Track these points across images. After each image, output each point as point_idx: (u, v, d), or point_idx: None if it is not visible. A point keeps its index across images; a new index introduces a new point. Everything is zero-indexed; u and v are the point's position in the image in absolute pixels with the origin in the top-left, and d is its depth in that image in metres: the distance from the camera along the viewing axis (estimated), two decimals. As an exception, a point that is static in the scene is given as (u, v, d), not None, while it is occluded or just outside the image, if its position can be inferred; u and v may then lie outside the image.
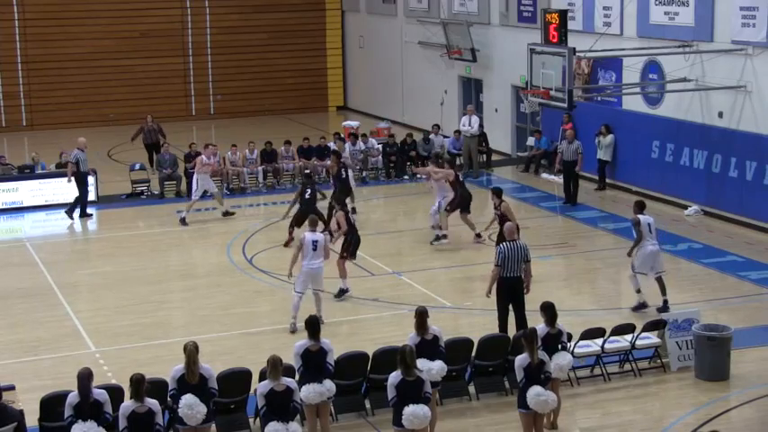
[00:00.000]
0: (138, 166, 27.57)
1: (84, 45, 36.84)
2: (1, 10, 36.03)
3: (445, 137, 29.20)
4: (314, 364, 12.08)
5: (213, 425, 12.03)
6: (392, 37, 36.62)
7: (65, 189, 25.58)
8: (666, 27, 23.95)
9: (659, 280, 17.10)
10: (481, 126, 29.20)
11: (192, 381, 11.36)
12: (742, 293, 18.16)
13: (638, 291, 17.18)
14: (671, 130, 24.22)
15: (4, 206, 25.40)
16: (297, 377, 12.13)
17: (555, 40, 22.10)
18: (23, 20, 36.25)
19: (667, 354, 14.78)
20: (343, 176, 22.81)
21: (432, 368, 12.29)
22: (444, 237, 21.20)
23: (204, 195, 23.83)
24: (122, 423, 10.84)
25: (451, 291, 18.83)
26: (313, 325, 12.22)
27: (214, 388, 11.56)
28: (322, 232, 21.34)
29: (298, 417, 11.55)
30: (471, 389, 14.00)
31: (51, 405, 12.15)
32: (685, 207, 23.67)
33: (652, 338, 14.88)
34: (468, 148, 28.34)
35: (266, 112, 38.79)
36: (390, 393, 11.28)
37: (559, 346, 12.63)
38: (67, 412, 11.05)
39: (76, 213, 24.49)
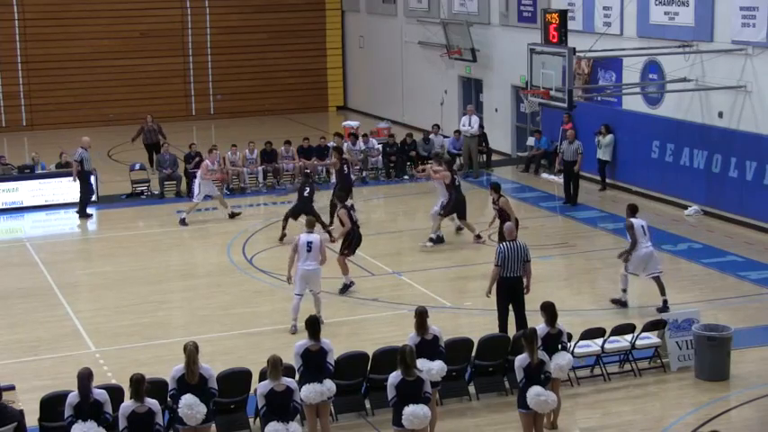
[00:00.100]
0: (138, 166, 27.58)
1: (84, 45, 36.84)
2: (1, 10, 36.02)
3: (445, 137, 29.20)
4: (314, 363, 12.08)
5: (213, 425, 12.03)
6: (392, 37, 36.62)
7: (65, 189, 25.64)
8: (666, 27, 23.95)
9: (657, 280, 17.12)
10: (481, 126, 29.19)
11: (191, 381, 11.36)
12: (742, 293, 18.16)
13: (624, 290, 17.28)
14: (671, 130, 24.23)
15: (4, 206, 25.40)
16: (297, 377, 12.13)
17: (555, 40, 22.10)
18: (23, 20, 36.24)
19: (667, 354, 14.78)
20: (346, 172, 22.85)
21: (432, 368, 12.28)
22: (431, 240, 21.14)
23: (205, 198, 23.87)
24: (122, 423, 10.85)
25: (451, 291, 18.83)
26: (313, 325, 12.22)
27: (214, 388, 11.56)
28: (326, 230, 21.55)
29: (298, 417, 11.55)
30: (471, 389, 14.00)
31: (51, 405, 12.15)
32: (685, 207, 23.68)
33: (652, 338, 14.88)
34: (468, 148, 28.33)
35: (266, 112, 38.79)
36: (390, 393, 11.28)
37: (559, 346, 12.62)
38: (67, 412, 11.05)
39: (89, 209, 24.61)
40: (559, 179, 25.99)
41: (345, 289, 18.36)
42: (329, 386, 12.15)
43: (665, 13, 23.91)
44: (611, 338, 14.70)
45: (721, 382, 14.28)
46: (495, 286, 15.43)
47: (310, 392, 11.98)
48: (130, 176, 27.17)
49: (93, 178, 25.09)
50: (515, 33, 29.13)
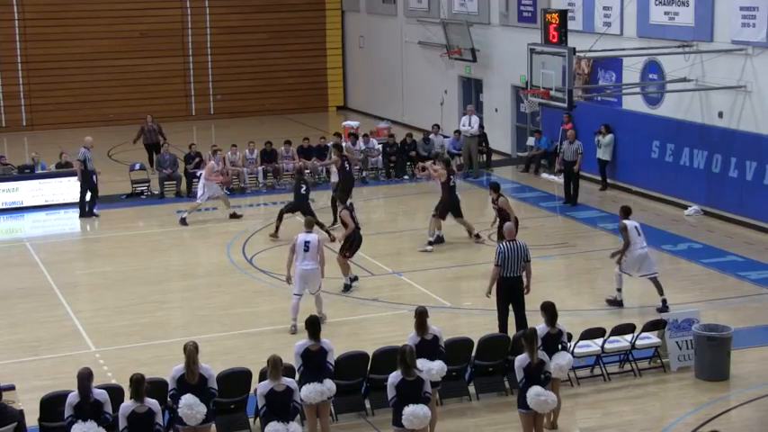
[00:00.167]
0: (138, 166, 27.58)
1: (84, 45, 36.84)
2: (1, 10, 36.03)
3: (445, 137, 29.20)
4: (314, 363, 12.07)
5: (213, 425, 12.03)
6: (392, 37, 36.62)
7: (65, 189, 25.68)
8: (666, 27, 23.95)
9: (654, 281, 17.15)
10: (481, 126, 29.20)
11: (191, 381, 11.36)
12: (742, 293, 18.16)
13: (619, 289, 17.33)
14: (671, 130, 24.22)
15: (4, 206, 25.41)
16: (297, 377, 12.13)
17: (555, 40, 22.09)
18: (23, 20, 36.25)
19: (667, 354, 14.78)
20: (347, 168, 22.90)
21: (432, 368, 12.28)
22: (430, 244, 21.14)
23: (208, 198, 23.89)
24: (122, 423, 10.84)
25: (451, 291, 18.83)
26: (313, 325, 12.21)
27: (214, 388, 11.56)
28: (325, 230, 21.58)
29: (298, 417, 11.55)
30: (471, 389, 14.00)
31: (51, 405, 12.15)
32: (685, 207, 23.68)
33: (652, 338, 14.88)
34: (468, 149, 28.34)
35: (266, 112, 38.80)
36: (390, 393, 11.28)
37: (559, 346, 12.62)
38: (67, 412, 11.05)
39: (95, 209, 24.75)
40: (559, 179, 25.99)
41: (347, 288, 18.40)
42: (329, 386, 12.15)
43: (665, 13, 23.91)
44: (611, 338, 14.70)
45: (721, 382, 14.28)
46: (495, 286, 15.43)
47: (310, 392, 11.98)
48: (130, 176, 27.18)
49: (94, 177, 25.08)
50: (515, 33, 29.13)
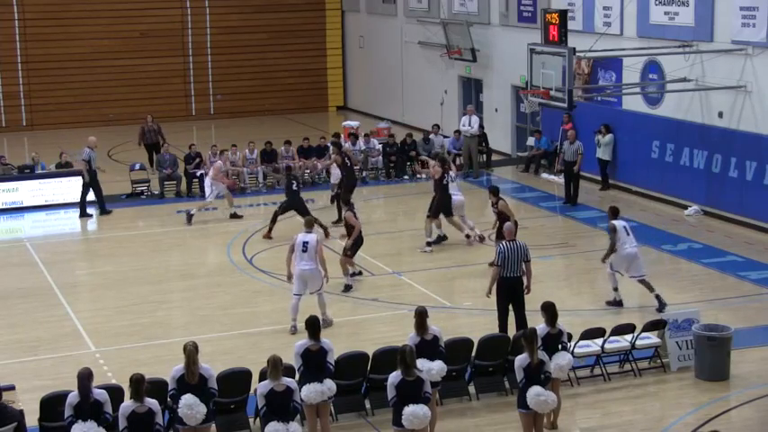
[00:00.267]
0: (138, 166, 27.59)
1: (84, 45, 36.84)
2: (1, 10, 36.03)
3: (445, 137, 29.20)
4: (314, 363, 12.07)
5: (213, 425, 12.03)
6: (392, 37, 36.62)
7: (65, 189, 25.69)
8: (666, 27, 23.95)
9: (643, 282, 17.18)
10: (481, 126, 29.20)
11: (191, 381, 11.36)
12: (742, 293, 18.16)
13: (615, 289, 17.36)
14: (671, 130, 24.22)
15: (4, 206, 25.41)
16: (297, 377, 12.13)
17: (555, 40, 22.09)
18: (23, 20, 36.25)
19: (667, 354, 14.78)
20: (349, 165, 22.93)
21: (432, 368, 12.28)
22: (428, 245, 21.14)
23: (217, 197, 23.94)
24: (122, 423, 10.85)
25: (451, 291, 18.83)
26: (313, 325, 12.21)
27: (214, 388, 11.56)
28: (321, 226, 21.64)
29: (298, 417, 11.55)
30: (471, 389, 14.00)
31: (51, 405, 12.15)
32: (685, 207, 23.67)
33: (652, 338, 14.88)
34: (468, 148, 28.34)
35: (266, 112, 38.80)
36: (390, 393, 11.28)
37: (559, 346, 12.62)
38: (67, 412, 11.05)
39: (88, 209, 24.76)
40: (560, 179, 25.99)
41: (348, 288, 18.41)
42: (330, 386, 12.15)
43: (665, 13, 23.91)
44: (611, 338, 14.70)
45: (721, 382, 14.28)
46: (495, 286, 15.43)
47: (311, 392, 11.97)
48: (130, 176, 27.19)
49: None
50: (515, 33, 29.13)
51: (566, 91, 21.37)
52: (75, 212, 24.89)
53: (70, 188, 25.56)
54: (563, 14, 22.36)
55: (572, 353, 13.34)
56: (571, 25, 23.47)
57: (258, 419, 12.26)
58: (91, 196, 24.88)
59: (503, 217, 18.90)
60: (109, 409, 11.11)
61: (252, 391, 12.47)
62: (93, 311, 18.02)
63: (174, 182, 26.76)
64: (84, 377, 11.02)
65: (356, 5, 39.11)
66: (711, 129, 23.03)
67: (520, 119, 30.35)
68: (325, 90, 40.34)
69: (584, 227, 23.00)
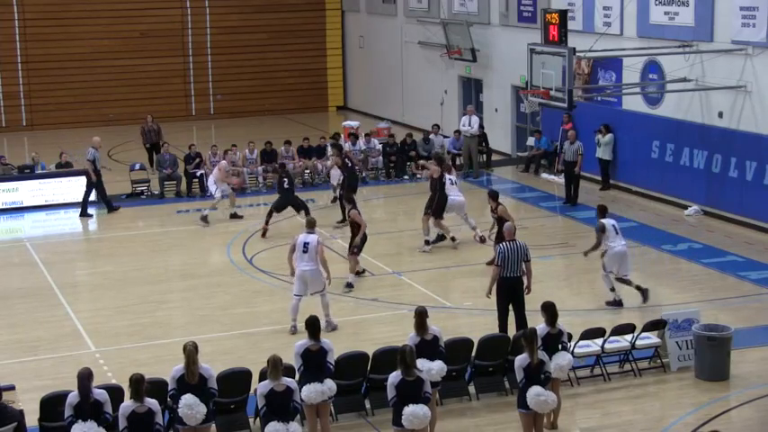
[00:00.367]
0: (138, 166, 27.60)
1: (84, 45, 36.85)
2: (1, 10, 36.04)
3: (445, 137, 29.20)
4: (314, 363, 12.07)
5: (213, 425, 12.03)
6: (392, 37, 36.62)
7: (65, 189, 25.70)
8: (666, 27, 23.95)
9: (624, 280, 17.21)
10: (481, 126, 29.20)
11: (191, 381, 11.36)
12: (742, 293, 18.16)
13: (612, 289, 17.40)
14: (671, 130, 24.22)
15: (4, 206, 25.42)
16: (297, 377, 12.13)
17: (555, 40, 22.09)
18: (23, 20, 36.25)
19: (667, 354, 14.78)
20: (350, 165, 22.97)
21: (432, 368, 12.28)
22: (426, 243, 21.13)
23: (223, 196, 23.96)
24: (122, 423, 10.85)
25: (451, 291, 18.83)
26: (313, 325, 12.21)
27: (214, 388, 11.56)
28: (339, 225, 21.75)
29: (298, 417, 11.55)
30: (471, 389, 14.00)
31: (51, 405, 12.15)
32: (685, 207, 23.67)
33: (652, 338, 14.88)
34: (468, 149, 28.34)
35: (266, 112, 38.80)
36: (390, 393, 11.28)
37: (559, 346, 12.62)
38: (67, 412, 11.05)
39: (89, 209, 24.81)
40: (560, 179, 25.99)
41: (350, 286, 18.46)
42: (330, 386, 12.15)
43: (665, 13, 23.91)
44: (611, 338, 14.70)
45: (721, 382, 14.28)
46: (495, 286, 15.43)
47: (311, 392, 11.97)
48: (130, 176, 27.19)
49: (84, 179, 25.12)
50: (515, 33, 29.13)
51: (566, 91, 21.37)
52: (75, 212, 24.89)
53: (70, 188, 25.57)
54: (563, 14, 22.36)
55: (572, 353, 13.34)
56: (571, 25, 23.47)
57: (258, 419, 12.27)
58: (93, 196, 24.90)
59: (502, 223, 18.88)
60: (109, 409, 11.11)
61: (252, 391, 12.47)
62: (93, 311, 18.02)
63: (174, 182, 26.76)
64: (84, 377, 11.02)
65: (356, 5, 39.11)
66: (711, 129, 23.03)
67: (520, 119, 30.35)
68: (325, 90, 40.34)
69: (584, 227, 22.97)
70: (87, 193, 24.73)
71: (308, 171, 27.78)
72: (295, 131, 32.78)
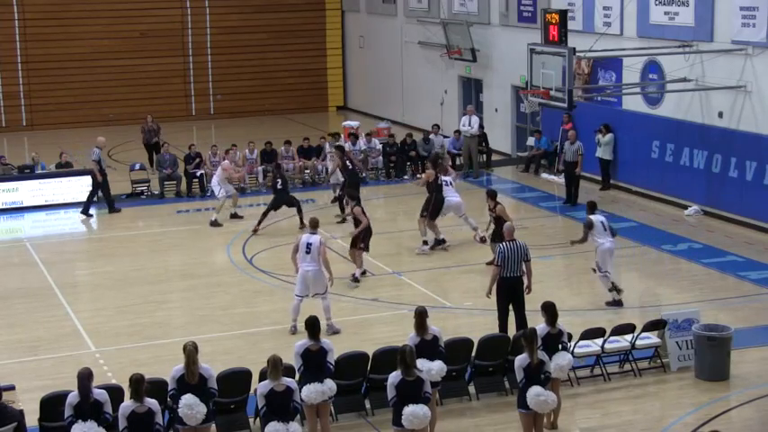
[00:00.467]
0: (138, 166, 27.60)
1: (84, 45, 36.85)
2: (1, 10, 36.04)
3: (445, 137, 29.20)
4: (314, 363, 12.07)
5: (213, 425, 12.03)
6: (392, 37, 36.62)
7: (65, 189, 25.71)
8: (666, 27, 23.95)
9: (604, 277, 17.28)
10: (481, 126, 29.20)
11: (191, 381, 11.36)
12: (742, 293, 18.16)
13: (610, 289, 17.42)
14: (671, 130, 24.22)
15: (4, 206, 25.42)
16: (297, 377, 12.13)
17: (555, 40, 22.09)
18: (23, 20, 36.25)
19: (667, 354, 14.78)
20: (350, 167, 22.98)
21: (431, 368, 12.28)
22: (425, 243, 21.13)
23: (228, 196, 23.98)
24: (122, 423, 10.85)
25: (451, 291, 18.83)
26: (313, 325, 12.21)
27: (214, 388, 11.56)
28: (341, 222, 21.74)
29: (298, 417, 11.55)
30: (471, 389, 14.00)
31: (51, 405, 12.15)
32: (685, 207, 23.67)
33: (652, 338, 14.88)
34: (468, 149, 28.34)
35: (266, 112, 38.80)
36: (390, 393, 11.28)
37: (559, 346, 12.62)
38: (67, 412, 11.05)
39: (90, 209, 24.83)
40: (560, 179, 25.98)
41: (355, 280, 18.55)
42: (330, 386, 12.14)
43: (665, 13, 23.91)
44: (611, 338, 14.70)
45: (721, 382, 14.28)
46: (495, 286, 15.43)
47: (311, 392, 11.97)
48: (130, 176, 27.19)
49: (89, 179, 25.08)
50: (515, 33, 29.13)
51: (566, 91, 21.37)
52: (76, 212, 24.88)
53: (70, 188, 25.59)
54: (563, 14, 22.36)
55: (572, 353, 13.34)
56: (571, 25, 23.47)
57: (258, 419, 12.27)
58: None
59: (500, 222, 18.91)
60: (109, 409, 11.11)
61: (252, 391, 12.46)
62: (93, 311, 18.02)
63: (174, 182, 26.76)
64: (84, 377, 11.02)
65: (356, 5, 39.10)
66: (711, 129, 23.03)
67: (520, 119, 30.35)
68: (325, 90, 40.34)
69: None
70: (93, 193, 24.73)
71: (307, 171, 27.78)
72: (295, 131, 32.78)
